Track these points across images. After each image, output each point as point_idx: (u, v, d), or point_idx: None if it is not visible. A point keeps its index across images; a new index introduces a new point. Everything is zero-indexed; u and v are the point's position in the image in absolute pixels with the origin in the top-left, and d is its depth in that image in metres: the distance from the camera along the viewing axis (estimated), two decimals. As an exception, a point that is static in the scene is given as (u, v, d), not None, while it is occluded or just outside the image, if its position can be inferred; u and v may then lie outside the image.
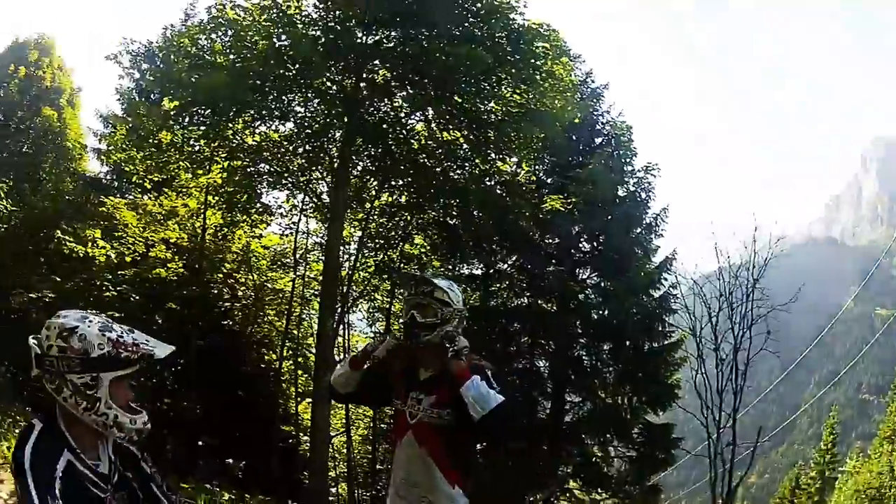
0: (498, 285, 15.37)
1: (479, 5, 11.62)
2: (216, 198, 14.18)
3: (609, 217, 15.15)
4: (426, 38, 11.68)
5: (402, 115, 13.06)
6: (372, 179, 13.80)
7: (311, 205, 14.39)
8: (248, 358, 16.18)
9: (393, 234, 14.58)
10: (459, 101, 12.03)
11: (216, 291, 15.39)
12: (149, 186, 15.36)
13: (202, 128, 12.85)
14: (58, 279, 14.29)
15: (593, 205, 14.83)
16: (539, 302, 15.04)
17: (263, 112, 12.86)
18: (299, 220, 14.94)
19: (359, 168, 13.61)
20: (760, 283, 12.06)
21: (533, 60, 11.84)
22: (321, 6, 11.96)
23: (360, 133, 12.45)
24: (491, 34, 11.67)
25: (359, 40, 11.87)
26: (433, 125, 12.93)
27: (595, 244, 15.64)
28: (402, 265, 14.69)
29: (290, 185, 13.82)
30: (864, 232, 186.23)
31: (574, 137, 15.32)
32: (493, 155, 13.18)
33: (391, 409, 3.48)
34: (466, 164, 13.27)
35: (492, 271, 15.43)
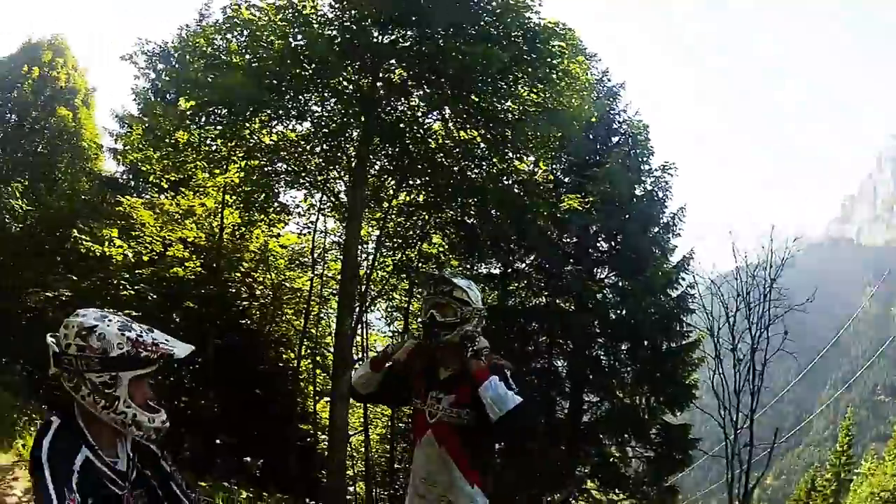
0: (516, 284, 15.37)
1: (493, 4, 11.53)
2: (234, 197, 14.16)
3: (626, 216, 15.14)
4: (442, 38, 11.60)
5: (419, 114, 13.00)
6: (389, 179, 13.75)
7: (328, 204, 14.36)
8: (266, 357, 16.20)
9: (411, 233, 14.52)
10: (476, 100, 11.95)
11: (234, 290, 15.41)
12: (165, 186, 15.36)
13: (219, 127, 12.83)
14: (74, 278, 14.36)
15: (611, 204, 14.81)
16: (557, 301, 14.99)
17: (280, 112, 12.83)
18: (317, 219, 14.96)
19: (376, 167, 13.57)
20: (777, 282, 12.01)
21: (549, 59, 11.74)
22: (336, 6, 11.89)
23: (378, 132, 12.41)
24: (507, 33, 11.58)
25: (375, 39, 11.80)
26: (450, 124, 12.86)
27: (613, 243, 15.61)
28: (420, 264, 14.66)
29: (307, 184, 13.79)
30: (880, 231, 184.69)
31: (591, 136, 15.31)
32: (510, 154, 13.11)
33: (410, 408, 3.48)
34: (484, 164, 13.19)
35: (510, 270, 15.44)
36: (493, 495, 3.13)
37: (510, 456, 13.44)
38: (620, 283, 15.27)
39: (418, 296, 14.99)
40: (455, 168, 13.06)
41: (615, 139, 16.15)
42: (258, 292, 15.82)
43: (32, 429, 9.29)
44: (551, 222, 13.83)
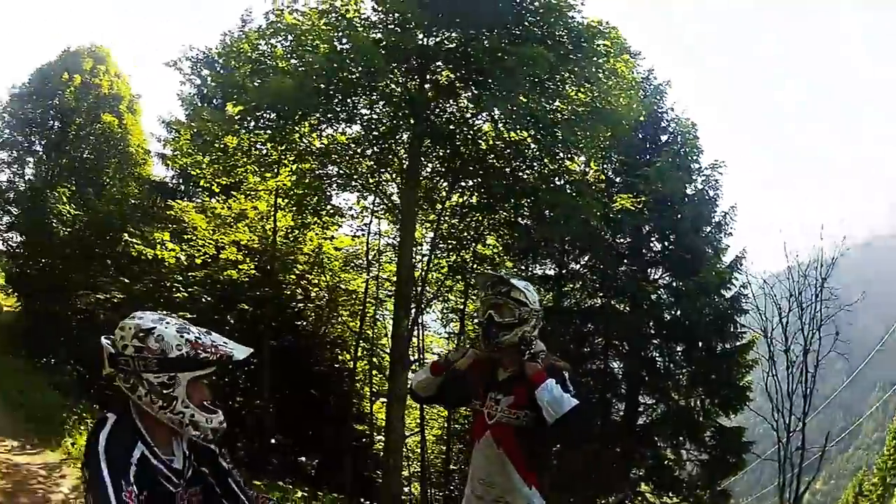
0: (571, 286, 15.29)
1: (535, 4, 11.48)
2: (286, 200, 14.26)
3: (678, 216, 14.96)
4: (487, 39, 11.54)
5: (469, 115, 12.96)
6: (442, 180, 13.72)
7: (381, 206, 14.42)
8: (322, 358, 16.35)
9: (465, 234, 14.46)
10: (525, 100, 11.85)
11: (288, 292, 15.53)
12: (217, 190, 15.49)
13: (268, 132, 12.93)
14: (126, 280, 14.55)
15: (663, 203, 14.66)
16: (612, 302, 14.84)
17: (329, 115, 12.90)
18: (371, 221, 14.97)
19: (428, 169, 13.55)
20: (827, 282, 11.73)
21: (595, 58, 11.66)
22: (379, 9, 11.90)
23: (428, 134, 12.38)
24: (551, 33, 11.53)
25: (420, 42, 11.79)
26: (500, 125, 12.78)
27: (666, 243, 15.43)
28: (475, 266, 14.61)
29: (359, 186, 13.82)
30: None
31: (640, 135, 15.15)
32: (561, 154, 12.98)
33: (467, 409, 3.48)
34: (535, 164, 13.11)
35: (564, 271, 15.33)
36: (548, 497, 3.13)
37: (566, 458, 13.36)
38: (674, 284, 15.06)
39: (473, 297, 14.94)
40: (507, 169, 12.98)
41: (664, 137, 15.96)
42: (313, 294, 15.90)
43: (83, 427, 9.57)
44: (604, 222, 13.67)
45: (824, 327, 11.36)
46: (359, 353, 15.87)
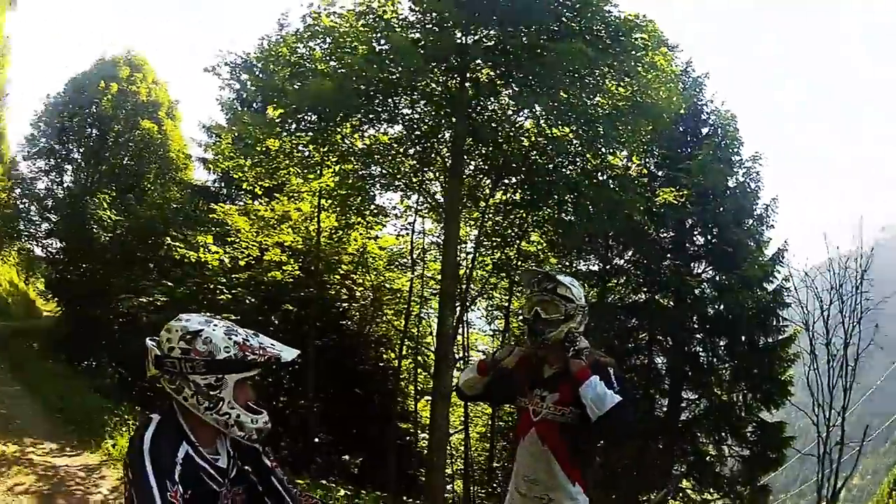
0: (615, 281, 15.20)
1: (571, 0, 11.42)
2: (329, 201, 14.36)
3: (721, 209, 14.84)
4: (525, 35, 11.53)
5: (510, 112, 12.97)
6: (485, 178, 13.75)
7: (425, 205, 14.47)
8: (367, 357, 16.40)
9: (509, 231, 14.46)
10: (565, 96, 11.83)
11: (333, 292, 15.59)
12: (259, 192, 15.63)
13: (309, 134, 13.06)
14: (170, 284, 14.66)
15: (705, 196, 14.58)
16: (656, 297, 14.77)
17: (370, 116, 12.96)
18: (415, 220, 15.01)
19: (471, 167, 13.58)
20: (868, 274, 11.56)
21: (633, 52, 11.57)
22: (416, 9, 11.94)
23: (470, 133, 12.40)
24: (588, 27, 11.47)
25: (458, 40, 11.80)
26: (542, 122, 12.78)
27: (709, 237, 15.29)
28: (519, 263, 14.59)
29: (403, 186, 13.90)
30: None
31: (681, 129, 15.08)
32: (603, 150, 12.93)
33: (511, 407, 3.48)
34: (578, 160, 13.07)
35: (608, 267, 15.27)
36: (591, 494, 3.12)
37: (609, 454, 13.32)
38: (717, 278, 14.93)
39: (518, 294, 14.97)
40: (549, 165, 12.94)
41: (705, 130, 15.85)
42: (357, 293, 15.98)
43: (124, 429, 9.55)
44: (647, 217, 13.59)
45: (865, 320, 11.29)
46: (403, 352, 15.91)
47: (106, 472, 8.02)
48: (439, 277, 13.54)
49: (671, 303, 14.76)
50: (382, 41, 11.83)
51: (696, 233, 15.48)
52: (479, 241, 14.45)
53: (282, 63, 12.61)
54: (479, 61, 12.23)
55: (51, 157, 27.90)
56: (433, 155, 13.17)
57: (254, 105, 16.81)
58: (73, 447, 8.91)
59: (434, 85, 12.43)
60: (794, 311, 13.45)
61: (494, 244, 14.80)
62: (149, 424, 1.95)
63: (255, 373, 2.03)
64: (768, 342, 14.77)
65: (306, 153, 13.79)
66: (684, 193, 13.83)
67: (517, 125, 13.03)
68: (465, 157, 12.96)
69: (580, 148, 12.80)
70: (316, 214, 14.75)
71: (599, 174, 13.26)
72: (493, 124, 12.73)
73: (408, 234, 15.21)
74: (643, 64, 11.78)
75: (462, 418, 15.86)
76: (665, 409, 14.93)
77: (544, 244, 15.27)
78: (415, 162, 13.38)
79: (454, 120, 12.28)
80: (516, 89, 12.27)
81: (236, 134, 14.82)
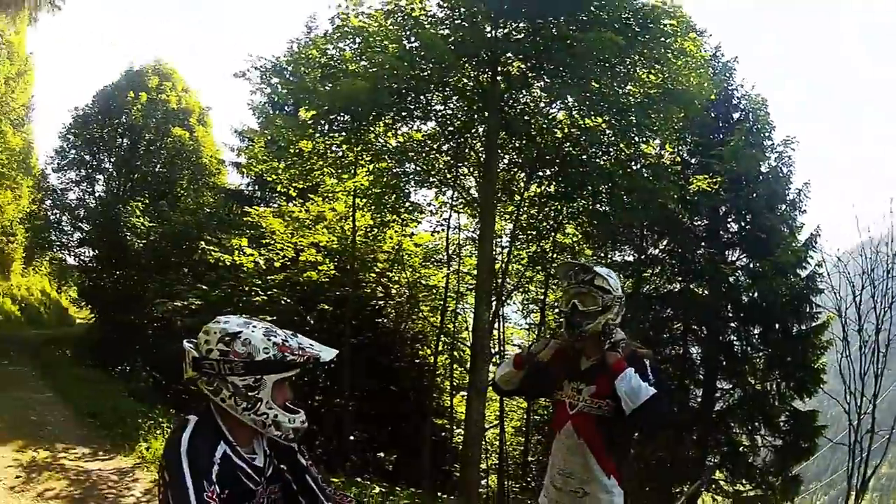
0: (650, 271, 15.12)
1: (598, -11, 11.41)
2: (364, 200, 14.45)
3: (754, 194, 14.69)
4: (554, 27, 11.54)
5: (542, 105, 13.01)
6: (519, 171, 13.80)
7: (460, 200, 14.50)
8: (402, 354, 16.48)
9: (544, 224, 14.44)
10: (597, 86, 11.84)
11: (369, 290, 15.69)
12: (294, 194, 15.79)
13: (342, 134, 13.16)
14: (204, 287, 14.81)
15: (738, 182, 14.46)
16: (691, 286, 14.68)
17: (403, 113, 13.06)
18: (450, 216, 15.03)
19: (505, 161, 13.64)
20: None
21: (662, 39, 11.53)
22: (445, 4, 12.01)
23: (503, 126, 12.45)
24: (617, 16, 11.44)
25: (488, 35, 11.85)
26: (574, 113, 12.79)
27: (742, 223, 15.15)
28: (554, 255, 14.59)
29: (437, 182, 13.98)
30: None
31: (713, 115, 14.91)
32: (636, 138, 12.91)
33: (546, 400, 3.49)
34: (611, 150, 13.07)
35: (643, 257, 15.21)
36: (625, 486, 3.12)
37: (643, 446, 13.25)
38: (751, 265, 14.77)
39: (554, 287, 14.99)
40: (583, 156, 12.96)
41: (736, 115, 15.68)
42: (393, 291, 16.07)
43: (158, 432, 9.57)
44: (681, 205, 13.53)
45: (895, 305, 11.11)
46: (439, 348, 15.96)
47: (139, 475, 8.03)
48: (475, 272, 13.56)
49: (705, 291, 14.63)
50: (412, 38, 11.91)
51: (729, 220, 15.34)
52: (514, 234, 14.48)
53: (312, 65, 12.73)
54: (509, 54, 12.26)
55: (81, 167, 28.47)
56: (467, 150, 13.24)
57: (285, 108, 16.95)
58: (106, 451, 8.97)
59: (465, 80, 12.48)
60: (827, 298, 13.31)
61: (529, 237, 14.78)
62: (186, 426, 1.98)
63: (294, 373, 2.05)
64: (802, 329, 14.59)
65: (340, 153, 13.87)
66: (717, 180, 13.75)
67: (550, 117, 13.04)
68: (499, 151, 12.98)
69: (613, 138, 12.77)
70: (351, 214, 14.85)
71: (633, 163, 13.21)
72: (526, 117, 12.76)
73: (443, 230, 15.25)
74: (673, 50, 11.72)
75: (497, 413, 15.85)
76: (699, 399, 14.81)
77: (579, 236, 15.25)
78: (449, 158, 13.45)
79: (487, 114, 12.31)
80: (548, 81, 12.28)
81: (269, 137, 14.99)
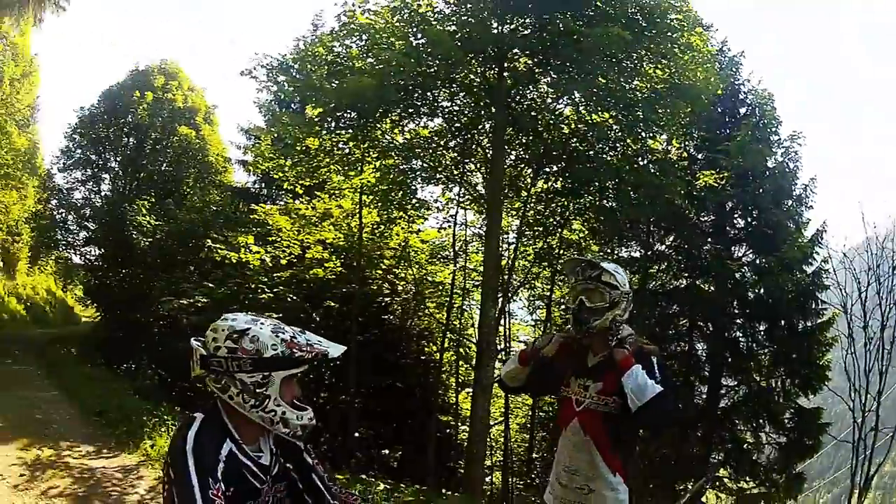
0: (656, 267, 15.09)
1: (604, -16, 11.41)
2: (371, 197, 14.45)
3: (760, 190, 14.63)
4: (561, 22, 11.54)
5: (549, 100, 13.01)
6: (526, 168, 13.80)
7: (467, 197, 14.50)
8: (408, 350, 16.46)
9: (551, 220, 14.44)
10: (604, 81, 11.84)
11: (375, 287, 15.70)
12: (300, 191, 15.79)
13: (349, 131, 13.17)
14: (211, 285, 14.79)
15: (744, 178, 14.39)
16: (697, 282, 14.65)
17: (410, 110, 13.08)
18: (456, 212, 15.05)
19: (512, 157, 13.64)
20: None
21: (669, 33, 11.54)
22: (451, 1, 12.04)
23: (510, 122, 12.46)
24: (624, 11, 11.44)
25: (495, 31, 11.86)
26: (581, 108, 12.79)
27: (749, 219, 15.10)
28: (561, 252, 14.59)
29: (444, 179, 13.97)
30: None
31: (719, 110, 14.89)
32: (643, 134, 12.90)
33: (552, 397, 3.47)
34: (618, 146, 13.05)
35: (650, 253, 15.17)
36: (630, 483, 3.11)
37: (648, 443, 13.23)
38: (758, 261, 14.71)
39: (560, 283, 14.96)
40: (590, 152, 12.94)
41: (742, 110, 15.59)
42: (399, 288, 16.07)
43: (163, 429, 9.53)
44: (688, 201, 13.51)
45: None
46: (445, 345, 15.94)
47: (144, 473, 8.01)
48: (481, 269, 13.60)
49: (711, 287, 14.59)
50: (419, 35, 11.92)
51: (736, 215, 15.27)
52: (520, 230, 14.47)
53: (319, 62, 12.74)
54: (516, 50, 12.29)
55: (87, 167, 28.54)
56: (474, 146, 13.26)
57: (292, 105, 16.98)
58: (111, 449, 8.94)
59: (472, 76, 12.48)
60: (833, 294, 13.28)
61: (536, 233, 14.76)
62: (192, 423, 1.97)
63: (302, 369, 2.05)
64: (807, 326, 14.51)
65: (346, 150, 13.86)
66: (724, 175, 13.74)
67: (556, 113, 13.07)
68: (506, 147, 12.99)
69: (620, 133, 12.76)
70: (357, 210, 14.82)
71: (640, 159, 13.18)
72: (533, 113, 12.77)
73: (450, 226, 15.27)
74: (679, 45, 11.75)
75: (502, 409, 15.82)
76: (704, 396, 14.78)
77: (586, 232, 15.24)
78: (455, 154, 13.48)
79: (493, 110, 12.34)
80: (554, 77, 12.31)
81: (276, 134, 15.00)
